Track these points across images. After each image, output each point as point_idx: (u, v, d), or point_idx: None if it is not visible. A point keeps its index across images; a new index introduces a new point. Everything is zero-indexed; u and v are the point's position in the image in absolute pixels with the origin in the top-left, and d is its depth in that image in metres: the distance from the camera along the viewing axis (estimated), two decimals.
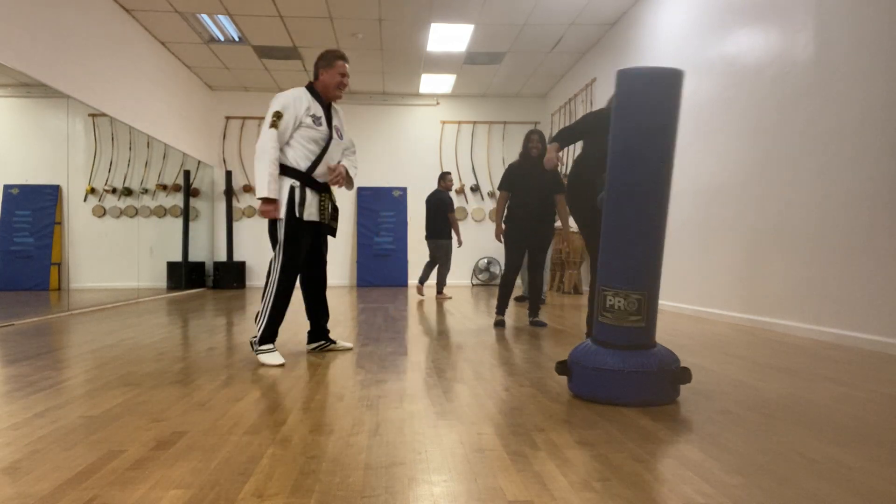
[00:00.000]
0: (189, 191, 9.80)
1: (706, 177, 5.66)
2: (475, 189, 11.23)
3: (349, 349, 3.72)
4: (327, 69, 3.41)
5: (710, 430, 2.04)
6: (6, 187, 6.80)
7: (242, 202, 10.94)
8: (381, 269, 11.04)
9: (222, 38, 8.41)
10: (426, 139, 11.31)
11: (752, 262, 4.95)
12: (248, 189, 10.90)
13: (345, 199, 11.10)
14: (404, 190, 11.19)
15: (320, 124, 3.37)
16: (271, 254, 3.35)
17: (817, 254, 4.23)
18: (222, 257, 10.76)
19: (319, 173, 3.40)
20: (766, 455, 1.79)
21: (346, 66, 3.45)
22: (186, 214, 9.73)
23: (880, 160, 3.72)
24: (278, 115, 3.23)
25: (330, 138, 3.43)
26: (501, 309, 5.00)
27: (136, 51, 7.71)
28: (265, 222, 3.39)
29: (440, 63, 9.44)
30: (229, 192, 10.76)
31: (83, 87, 6.40)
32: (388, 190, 11.17)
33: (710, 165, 5.59)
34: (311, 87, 3.45)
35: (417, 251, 11.18)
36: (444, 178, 8.06)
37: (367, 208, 11.08)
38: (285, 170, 3.29)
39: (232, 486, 1.54)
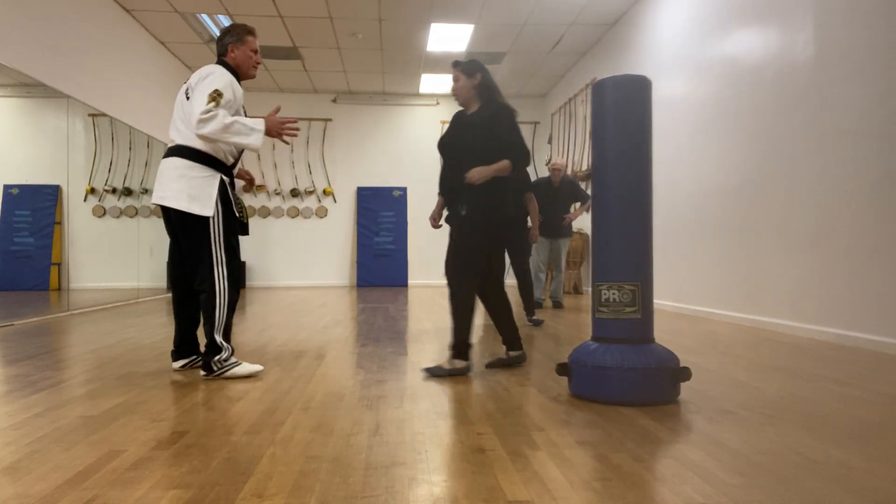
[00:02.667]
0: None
1: (706, 176, 5.66)
2: None
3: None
4: (238, 45, 2.97)
5: (710, 430, 2.03)
6: (6, 187, 6.80)
7: None
8: (381, 269, 11.04)
9: None
10: (426, 139, 11.30)
11: (752, 262, 4.95)
12: (249, 189, 10.88)
13: (345, 199, 11.11)
14: (404, 190, 11.19)
15: (244, 114, 2.99)
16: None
17: (817, 253, 4.23)
18: None
19: (236, 170, 3.08)
20: (766, 455, 1.79)
21: (257, 42, 3.06)
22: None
23: (880, 160, 3.72)
24: (219, 94, 2.75)
25: None
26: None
27: (136, 51, 7.71)
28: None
29: (440, 63, 9.44)
30: None
31: (83, 87, 6.40)
32: (388, 190, 11.17)
33: (710, 165, 5.59)
34: (226, 65, 2.97)
35: (417, 251, 11.19)
36: None
37: (367, 208, 11.08)
38: (215, 162, 2.89)
39: (232, 486, 1.54)
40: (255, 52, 3.04)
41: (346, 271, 11.18)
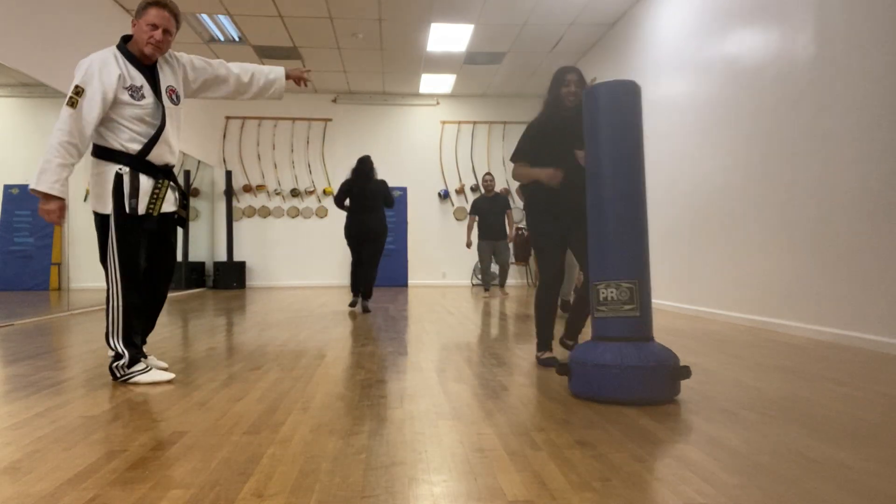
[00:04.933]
0: (189, 191, 9.80)
1: (706, 176, 5.66)
2: (475, 189, 11.23)
3: (164, 369, 2.92)
4: (136, 19, 2.66)
5: (710, 430, 2.03)
6: (6, 187, 6.80)
7: (242, 202, 10.94)
8: (381, 269, 10.99)
9: (222, 38, 8.41)
10: (426, 139, 11.31)
11: (752, 262, 4.94)
12: (248, 189, 10.90)
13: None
14: (404, 190, 11.18)
15: (142, 97, 2.66)
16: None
17: (817, 253, 4.23)
18: (222, 257, 10.75)
19: (157, 154, 2.72)
20: (766, 455, 1.79)
21: (166, 16, 2.65)
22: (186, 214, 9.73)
23: (880, 160, 3.72)
24: (78, 91, 2.52)
25: (163, 110, 2.73)
26: (546, 342, 3.28)
27: None
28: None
29: (440, 63, 9.44)
30: (229, 192, 10.76)
31: None
32: None
33: (710, 165, 5.59)
34: (122, 48, 2.68)
35: (417, 251, 11.19)
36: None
37: None
38: (109, 153, 2.66)
39: (232, 486, 1.54)
40: (154, 26, 2.63)
41: (346, 271, 11.15)
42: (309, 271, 11.05)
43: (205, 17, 7.65)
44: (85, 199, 7.32)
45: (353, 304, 6.44)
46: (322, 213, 11.07)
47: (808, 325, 4.30)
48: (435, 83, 10.49)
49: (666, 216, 6.33)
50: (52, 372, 3.00)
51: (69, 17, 6.15)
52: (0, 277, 6.86)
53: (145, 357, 2.87)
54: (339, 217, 11.45)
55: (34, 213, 6.85)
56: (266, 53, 8.92)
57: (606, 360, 2.39)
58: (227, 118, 10.83)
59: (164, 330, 4.67)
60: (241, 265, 10.61)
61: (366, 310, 6.08)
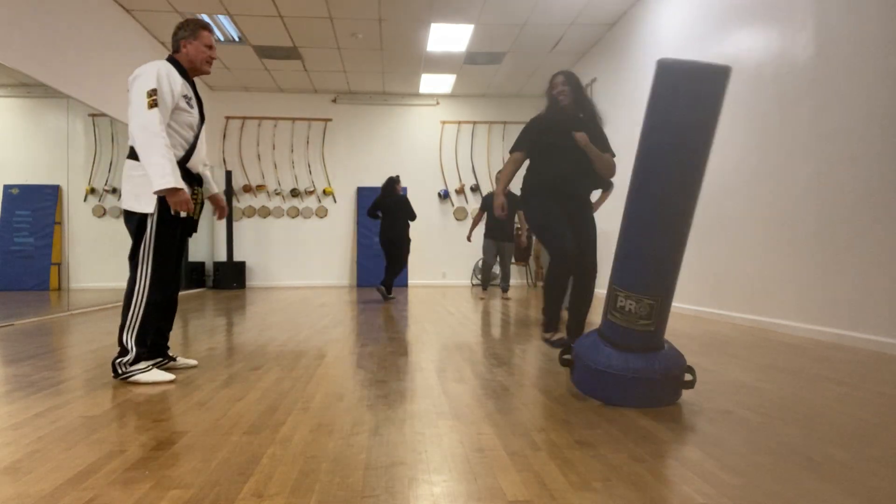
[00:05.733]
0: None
1: (706, 176, 5.65)
2: (475, 189, 11.23)
3: (194, 367, 3.13)
4: (191, 40, 2.94)
5: (710, 430, 2.03)
6: (6, 187, 6.81)
7: (242, 202, 10.94)
8: (381, 269, 11.01)
9: (222, 38, 8.41)
10: (426, 139, 11.30)
11: (752, 262, 4.94)
12: (248, 189, 10.90)
13: (345, 199, 11.11)
14: (404, 190, 11.16)
15: (192, 106, 2.93)
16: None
17: (817, 253, 4.23)
18: (222, 257, 10.75)
19: (193, 161, 2.94)
20: (766, 455, 1.79)
21: (213, 37, 3.03)
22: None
23: (880, 160, 3.72)
24: (154, 93, 2.71)
25: (202, 122, 3.00)
26: (554, 322, 3.51)
27: (136, 51, 7.71)
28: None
29: (440, 63, 9.44)
30: (229, 193, 10.75)
31: (83, 87, 6.40)
32: None
33: (710, 165, 5.57)
34: (174, 61, 2.93)
35: (417, 251, 11.19)
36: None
37: (368, 208, 11.08)
38: None
39: (232, 486, 1.54)
40: (210, 47, 2.98)
41: (346, 271, 11.18)
42: (309, 271, 11.05)
43: (205, 17, 7.65)
44: (85, 200, 7.30)
45: (379, 291, 7.59)
46: (322, 213, 11.07)
47: (808, 325, 4.30)
48: (435, 83, 10.49)
49: None
50: (52, 372, 3.00)
51: (69, 17, 6.15)
52: (0, 277, 6.86)
53: (168, 359, 3.04)
54: (339, 217, 11.50)
55: (34, 213, 6.86)
56: (266, 53, 8.92)
57: (611, 367, 2.33)
58: (227, 118, 10.83)
59: None
60: (241, 265, 10.61)
61: (385, 294, 7.50)
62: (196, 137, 2.93)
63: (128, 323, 2.77)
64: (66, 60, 6.10)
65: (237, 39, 8.43)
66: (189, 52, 2.94)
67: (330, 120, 11.14)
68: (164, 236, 2.80)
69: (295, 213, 11.06)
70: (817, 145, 4.24)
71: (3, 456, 1.77)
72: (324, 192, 11.07)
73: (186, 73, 2.94)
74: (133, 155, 2.81)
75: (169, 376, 2.81)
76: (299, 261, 11.02)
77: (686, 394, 2.53)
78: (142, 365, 2.79)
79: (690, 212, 2.26)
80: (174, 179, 2.68)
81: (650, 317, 2.30)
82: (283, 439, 1.92)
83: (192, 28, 2.95)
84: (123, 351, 2.77)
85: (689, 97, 2.13)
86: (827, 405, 2.38)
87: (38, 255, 6.86)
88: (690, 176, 2.21)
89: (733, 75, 5.17)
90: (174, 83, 2.79)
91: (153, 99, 2.69)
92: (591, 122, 3.49)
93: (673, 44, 6.33)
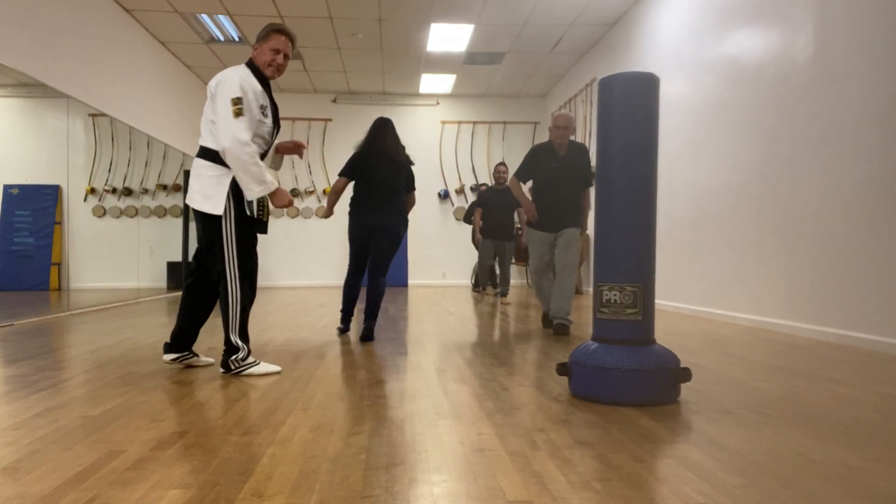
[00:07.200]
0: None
1: (706, 176, 5.66)
2: (475, 189, 11.23)
3: (210, 364, 3.18)
4: (261, 42, 2.91)
5: (710, 430, 2.04)
6: (6, 187, 6.80)
7: None
8: None
9: (222, 38, 8.41)
10: (426, 139, 11.31)
11: (752, 262, 4.95)
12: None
13: (345, 199, 11.10)
14: None
15: (267, 115, 2.91)
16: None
17: (817, 253, 4.23)
18: None
19: None
20: (766, 455, 1.79)
21: (287, 42, 2.92)
22: (186, 214, 9.74)
23: (880, 160, 3.72)
24: (239, 100, 2.74)
25: (277, 131, 3.02)
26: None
27: (136, 51, 7.72)
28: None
29: (440, 63, 9.44)
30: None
31: (83, 87, 6.40)
32: None
33: (710, 165, 5.59)
34: (252, 66, 2.92)
35: (417, 251, 11.19)
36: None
37: None
38: None
39: (232, 486, 1.54)
40: (277, 51, 2.90)
41: (345, 271, 11.17)
42: (309, 271, 11.06)
43: (205, 17, 7.66)
44: (85, 200, 7.30)
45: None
46: (322, 213, 11.07)
47: (808, 325, 4.30)
48: (435, 83, 10.50)
49: (666, 216, 6.33)
50: (52, 372, 3.00)
51: (69, 17, 6.15)
52: (0, 277, 6.86)
53: (192, 354, 3.10)
54: (339, 217, 11.49)
55: (34, 213, 6.86)
56: None
57: (607, 363, 2.38)
58: None
59: (165, 330, 4.67)
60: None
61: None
62: (269, 146, 2.97)
63: (230, 323, 2.89)
64: (66, 60, 6.10)
65: (237, 39, 8.43)
66: (257, 54, 2.92)
67: (330, 120, 11.14)
68: (243, 234, 2.88)
69: (295, 213, 11.06)
70: (817, 145, 4.24)
71: (3, 456, 1.77)
72: (324, 192, 11.08)
73: (265, 80, 2.92)
74: (204, 154, 2.85)
75: (276, 368, 2.96)
76: (299, 261, 11.03)
77: (686, 394, 2.53)
78: (251, 359, 2.94)
79: (652, 200, 2.51)
80: (273, 182, 2.81)
81: (636, 304, 2.45)
82: (283, 439, 1.92)
83: (267, 30, 2.92)
84: (234, 349, 2.89)
85: (627, 102, 2.49)
86: (827, 405, 2.38)
87: (37, 255, 6.86)
88: (644, 166, 2.50)
89: (734, 75, 5.21)
90: (254, 91, 2.80)
91: (238, 108, 2.73)
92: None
93: (673, 44, 6.33)
